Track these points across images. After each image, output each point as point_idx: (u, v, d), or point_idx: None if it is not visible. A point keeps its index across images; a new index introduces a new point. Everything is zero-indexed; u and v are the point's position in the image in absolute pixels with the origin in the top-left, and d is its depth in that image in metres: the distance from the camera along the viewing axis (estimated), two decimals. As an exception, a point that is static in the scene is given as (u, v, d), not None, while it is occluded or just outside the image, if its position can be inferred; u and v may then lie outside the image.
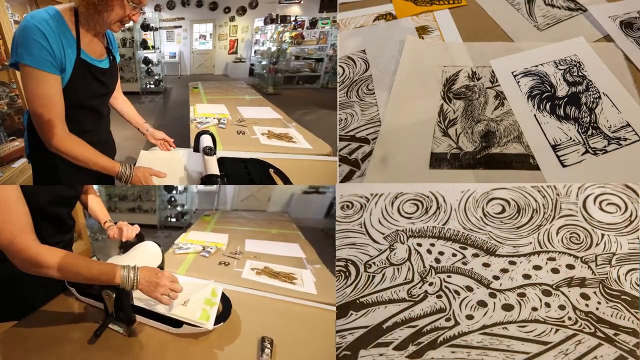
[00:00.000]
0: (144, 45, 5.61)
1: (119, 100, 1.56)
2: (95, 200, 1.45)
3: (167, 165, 1.39)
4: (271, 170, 1.45)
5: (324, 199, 3.81)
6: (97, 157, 1.22)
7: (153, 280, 1.02)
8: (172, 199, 4.52)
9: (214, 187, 4.35)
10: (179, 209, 4.57)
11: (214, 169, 1.29)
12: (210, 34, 6.58)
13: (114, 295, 1.01)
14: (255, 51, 6.12)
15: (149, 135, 1.61)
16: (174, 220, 4.55)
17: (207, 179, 1.24)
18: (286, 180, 1.41)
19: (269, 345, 0.98)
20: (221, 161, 1.48)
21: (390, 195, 1.33)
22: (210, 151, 1.38)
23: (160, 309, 1.07)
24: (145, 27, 5.52)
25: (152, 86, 5.63)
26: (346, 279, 1.19)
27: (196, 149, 1.53)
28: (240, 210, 4.07)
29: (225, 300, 1.15)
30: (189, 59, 6.69)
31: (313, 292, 1.52)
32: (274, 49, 5.32)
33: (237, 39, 6.56)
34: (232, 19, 6.45)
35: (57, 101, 1.15)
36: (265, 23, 5.93)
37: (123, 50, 5.55)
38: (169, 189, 4.43)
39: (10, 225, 0.96)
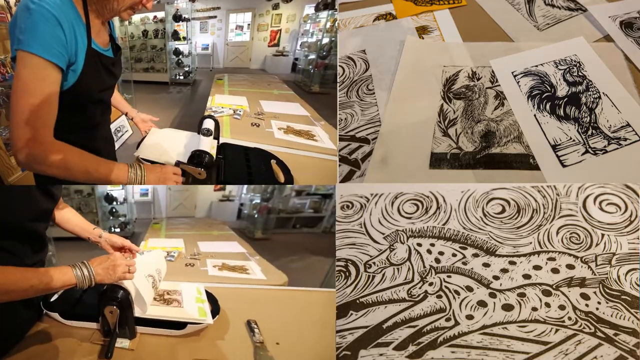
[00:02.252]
0: (176, 36, 5.49)
1: None
2: (69, 210, 1.28)
3: (169, 142, 1.40)
4: (273, 161, 1.44)
5: (234, 205, 4.53)
6: (95, 164, 1.01)
7: (109, 264, 0.98)
8: (114, 210, 4.44)
9: (149, 198, 4.53)
10: (121, 219, 4.51)
11: (207, 148, 1.28)
12: (248, 25, 5.85)
13: (119, 311, 0.99)
14: (301, 44, 5.25)
15: (137, 119, 1.59)
16: (118, 230, 4.48)
17: (196, 154, 1.21)
18: (287, 173, 1.40)
19: (255, 326, 1.13)
20: (223, 146, 1.48)
21: (390, 195, 1.33)
22: (207, 132, 1.38)
23: (158, 313, 1.08)
24: (178, 17, 5.34)
25: (182, 77, 5.52)
26: (346, 279, 1.19)
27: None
28: (176, 217, 4.47)
29: (209, 296, 1.24)
30: (223, 51, 6.08)
31: (263, 277, 1.92)
32: (325, 40, 4.37)
33: (280, 30, 5.76)
34: (275, 6, 5.58)
35: (55, 101, 0.97)
36: (317, 10, 4.77)
37: (155, 41, 5.47)
38: (109, 200, 4.39)
39: None
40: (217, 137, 1.53)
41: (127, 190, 4.35)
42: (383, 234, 1.27)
